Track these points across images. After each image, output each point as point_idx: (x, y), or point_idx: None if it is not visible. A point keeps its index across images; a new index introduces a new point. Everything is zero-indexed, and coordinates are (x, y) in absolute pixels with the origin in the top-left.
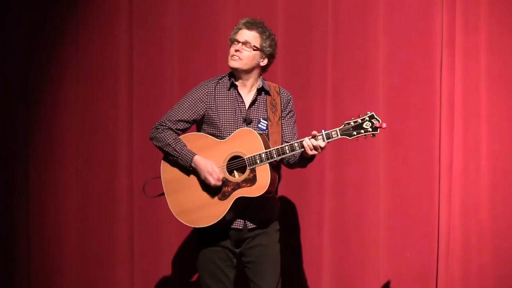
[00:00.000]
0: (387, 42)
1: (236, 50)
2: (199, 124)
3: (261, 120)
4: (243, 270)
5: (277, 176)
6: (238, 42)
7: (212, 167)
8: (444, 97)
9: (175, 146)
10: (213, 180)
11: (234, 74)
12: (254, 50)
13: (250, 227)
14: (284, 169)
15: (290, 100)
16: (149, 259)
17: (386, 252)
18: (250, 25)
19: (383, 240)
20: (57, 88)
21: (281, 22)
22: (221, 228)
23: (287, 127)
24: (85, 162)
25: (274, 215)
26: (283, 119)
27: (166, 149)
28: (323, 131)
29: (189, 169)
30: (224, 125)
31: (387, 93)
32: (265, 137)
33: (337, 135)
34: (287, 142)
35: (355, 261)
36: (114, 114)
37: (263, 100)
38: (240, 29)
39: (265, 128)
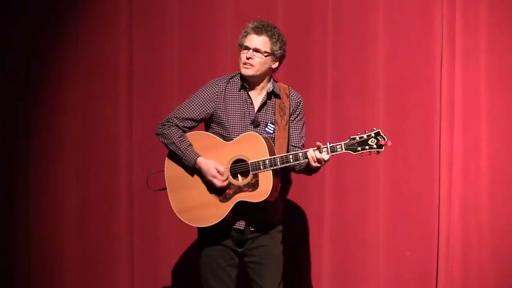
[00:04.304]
0: (387, 42)
1: (248, 58)
2: (207, 122)
3: (269, 124)
4: (245, 270)
5: (280, 183)
6: (249, 48)
7: (217, 169)
8: (444, 97)
9: (180, 145)
10: (218, 183)
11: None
12: (265, 56)
13: (251, 229)
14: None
15: (299, 104)
16: (149, 259)
17: (386, 252)
18: (259, 30)
19: (383, 240)
20: (57, 88)
21: (281, 22)
22: (223, 228)
23: (294, 130)
24: (85, 162)
25: (277, 219)
26: (291, 122)
27: (171, 147)
28: (328, 144)
29: (193, 169)
30: (232, 127)
31: (387, 93)
32: (270, 142)
33: (342, 149)
34: (294, 146)
35: (355, 261)
36: (114, 114)
37: (272, 104)
38: (248, 34)
39: (272, 132)
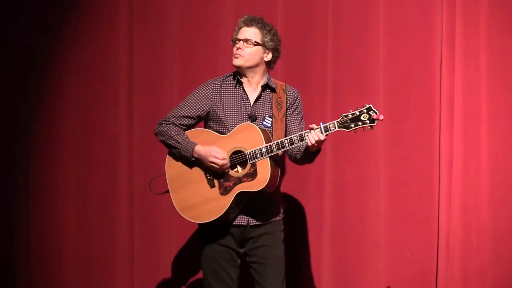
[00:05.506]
0: (387, 42)
1: (238, 48)
2: (205, 121)
3: (266, 117)
4: (247, 270)
5: (279, 171)
6: (239, 40)
7: (213, 149)
8: (444, 97)
9: (177, 137)
10: (219, 161)
11: (240, 73)
12: (255, 45)
13: (253, 223)
14: (287, 166)
15: (297, 97)
16: (149, 259)
17: (386, 252)
18: (249, 22)
19: (383, 240)
20: (57, 88)
21: (281, 22)
22: (224, 225)
23: (293, 123)
24: (85, 162)
25: (278, 212)
26: (290, 116)
27: (169, 142)
28: (321, 123)
29: (192, 162)
30: (229, 122)
31: (387, 93)
32: (267, 132)
33: (335, 128)
34: None
35: (355, 261)
36: (114, 114)
37: (269, 97)
38: (240, 27)
39: (270, 125)
